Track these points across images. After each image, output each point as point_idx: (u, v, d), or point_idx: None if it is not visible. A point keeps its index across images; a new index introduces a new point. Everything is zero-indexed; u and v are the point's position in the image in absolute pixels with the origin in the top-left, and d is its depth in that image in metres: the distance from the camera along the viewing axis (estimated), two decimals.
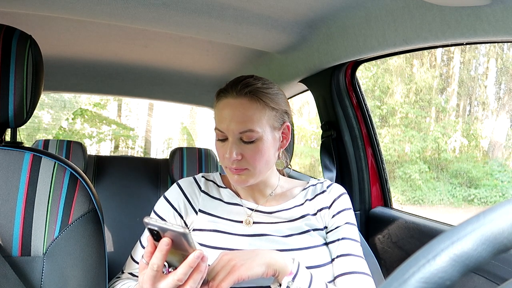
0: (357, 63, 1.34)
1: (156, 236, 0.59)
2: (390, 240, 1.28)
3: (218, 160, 1.85)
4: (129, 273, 0.83)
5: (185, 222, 0.85)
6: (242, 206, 0.86)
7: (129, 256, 0.85)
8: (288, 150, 0.95)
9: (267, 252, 0.71)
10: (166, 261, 0.61)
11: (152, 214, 0.86)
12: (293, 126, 1.00)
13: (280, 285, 0.70)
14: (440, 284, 0.26)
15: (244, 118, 0.77)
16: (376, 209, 1.40)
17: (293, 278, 0.68)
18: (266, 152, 0.80)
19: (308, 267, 0.74)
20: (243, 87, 0.78)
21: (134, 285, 0.75)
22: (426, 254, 0.28)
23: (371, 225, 1.39)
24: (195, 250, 0.59)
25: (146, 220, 0.58)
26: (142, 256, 0.62)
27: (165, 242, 0.58)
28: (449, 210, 4.72)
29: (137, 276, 0.83)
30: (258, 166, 0.79)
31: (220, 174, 0.94)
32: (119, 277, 0.83)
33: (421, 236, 1.15)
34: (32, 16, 1.19)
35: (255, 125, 0.77)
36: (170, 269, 0.62)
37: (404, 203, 4.98)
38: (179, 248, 0.59)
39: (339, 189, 0.89)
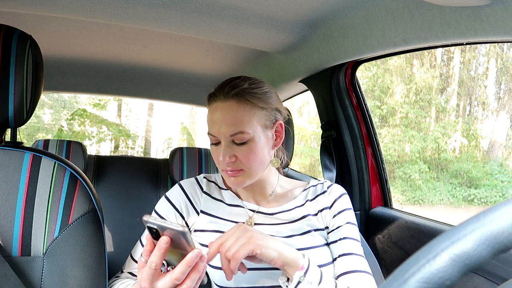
0: (357, 63, 1.34)
1: (155, 234, 0.59)
2: (390, 240, 1.28)
3: (214, 161, 1.85)
4: (128, 273, 0.83)
5: (186, 223, 0.85)
6: (243, 207, 0.86)
7: (129, 256, 0.85)
8: (288, 150, 0.96)
9: (281, 242, 0.71)
10: (165, 260, 0.61)
11: (153, 213, 0.86)
12: (293, 126, 1.00)
13: (288, 279, 0.70)
14: (440, 284, 0.26)
15: (234, 120, 0.77)
16: (376, 209, 1.40)
17: (305, 273, 0.68)
18: (260, 152, 0.80)
19: None
20: (230, 90, 0.78)
21: (133, 284, 0.75)
22: (426, 254, 0.28)
23: (371, 225, 1.39)
24: (193, 249, 0.59)
25: (145, 218, 0.58)
26: (141, 255, 0.62)
27: (163, 240, 0.58)
28: (449, 210, 4.72)
29: (137, 276, 0.83)
30: (252, 166, 0.79)
31: (221, 175, 0.95)
32: (118, 276, 0.83)
33: (421, 236, 1.15)
34: (32, 16, 1.19)
35: (245, 127, 0.77)
36: (168, 268, 0.62)
37: (404, 203, 4.98)
38: (178, 247, 0.59)
39: (339, 189, 0.90)
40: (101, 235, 0.78)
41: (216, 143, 0.81)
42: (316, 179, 0.95)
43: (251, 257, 0.69)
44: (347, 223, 0.84)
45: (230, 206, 0.87)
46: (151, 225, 0.58)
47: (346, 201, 0.88)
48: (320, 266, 0.78)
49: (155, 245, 0.59)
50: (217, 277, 0.78)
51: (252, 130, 0.78)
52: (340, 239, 0.82)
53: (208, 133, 0.81)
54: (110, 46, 1.53)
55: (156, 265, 0.58)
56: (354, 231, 0.84)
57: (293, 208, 0.86)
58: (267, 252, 0.67)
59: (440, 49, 5.08)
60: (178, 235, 0.57)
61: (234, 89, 0.78)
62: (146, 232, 0.78)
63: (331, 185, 0.90)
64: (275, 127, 0.84)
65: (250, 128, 0.78)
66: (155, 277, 0.59)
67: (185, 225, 0.85)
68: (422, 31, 0.85)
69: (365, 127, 1.41)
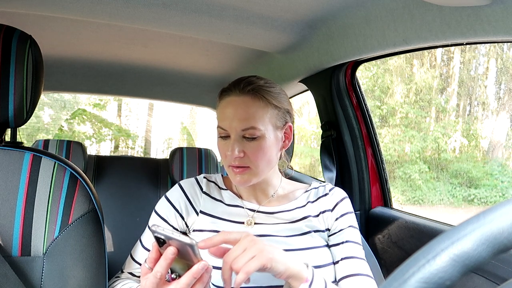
0: (357, 63, 1.34)
1: (162, 243, 0.59)
2: (390, 240, 1.28)
3: (218, 160, 1.85)
4: (128, 273, 0.83)
5: (186, 223, 0.85)
6: (243, 207, 0.86)
7: (129, 256, 0.85)
8: (288, 151, 0.96)
9: (285, 253, 0.69)
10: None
11: (153, 214, 0.86)
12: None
13: None
14: (440, 284, 0.26)
15: (247, 115, 0.77)
16: (376, 209, 1.40)
17: (309, 286, 0.67)
18: (268, 151, 0.80)
19: None
20: (246, 85, 0.79)
21: (136, 286, 0.75)
22: (426, 254, 0.28)
23: (371, 225, 1.39)
24: (200, 260, 0.59)
25: (153, 228, 0.58)
26: (145, 261, 0.62)
27: (171, 251, 0.57)
28: (449, 210, 4.72)
29: (137, 276, 0.83)
30: (260, 164, 0.79)
31: (222, 175, 0.95)
32: (118, 277, 0.83)
33: (421, 236, 1.15)
34: (32, 16, 1.19)
35: (258, 123, 0.77)
36: (172, 275, 0.62)
37: (404, 203, 4.98)
38: (184, 257, 0.59)
39: (341, 193, 0.90)
40: (101, 235, 0.78)
41: (225, 136, 0.81)
42: (317, 179, 0.95)
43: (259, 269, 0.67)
44: (349, 226, 0.85)
45: (230, 206, 0.87)
46: (159, 235, 0.58)
47: (348, 205, 0.88)
48: (318, 267, 0.78)
49: (160, 253, 0.59)
50: (214, 276, 0.77)
51: (264, 127, 0.78)
52: (342, 243, 0.82)
53: (218, 127, 0.81)
54: (110, 46, 1.53)
55: (161, 275, 0.58)
56: (356, 235, 0.85)
57: (294, 209, 0.86)
58: (277, 266, 0.64)
59: (440, 49, 5.08)
60: (185, 246, 0.57)
61: (250, 85, 0.79)
62: (146, 232, 0.78)
63: (333, 188, 0.91)
64: (285, 129, 0.84)
65: (262, 125, 0.78)
66: (159, 286, 0.59)
67: (191, 237, 0.84)
68: (422, 31, 0.85)
69: (365, 127, 1.40)
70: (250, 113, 0.77)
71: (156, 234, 0.58)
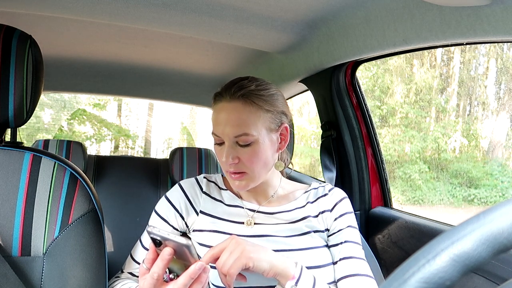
0: (357, 63, 1.34)
1: (158, 244, 0.59)
2: (390, 240, 1.28)
3: (218, 161, 1.85)
4: (128, 273, 0.83)
5: (186, 223, 0.85)
6: (243, 207, 0.86)
7: (129, 256, 0.85)
8: (288, 150, 0.96)
9: (272, 252, 0.71)
10: (167, 267, 0.61)
11: (153, 214, 0.86)
12: (293, 127, 1.00)
13: None
14: (440, 284, 0.26)
15: (239, 121, 0.76)
16: (376, 209, 1.40)
17: (296, 283, 0.68)
18: (263, 155, 0.79)
19: (308, 268, 0.74)
20: (237, 90, 0.78)
21: (135, 286, 0.75)
22: (426, 254, 0.28)
23: (371, 225, 1.39)
24: (197, 261, 0.59)
25: (149, 229, 0.58)
26: (143, 261, 0.62)
27: (167, 252, 0.58)
28: (449, 210, 4.72)
29: (137, 276, 0.83)
30: (255, 169, 0.79)
31: (222, 175, 0.95)
32: (118, 277, 0.83)
33: (421, 236, 1.15)
34: (32, 16, 1.19)
35: (250, 129, 0.77)
36: (171, 275, 0.62)
37: (404, 203, 4.98)
38: (181, 258, 0.59)
39: (340, 193, 0.90)
40: (101, 235, 0.78)
41: (220, 143, 0.81)
42: (317, 179, 0.95)
43: (244, 269, 0.69)
44: (348, 226, 0.84)
45: (230, 206, 0.87)
46: (155, 237, 0.58)
47: (347, 205, 0.88)
48: (319, 266, 0.78)
49: (157, 254, 0.59)
50: (212, 276, 0.78)
51: (257, 132, 0.77)
52: (341, 243, 0.82)
53: (212, 133, 0.81)
54: (110, 46, 1.53)
55: (158, 275, 0.59)
56: (355, 235, 0.84)
57: (294, 209, 0.86)
58: (260, 264, 0.68)
59: (440, 49, 5.08)
60: (182, 247, 0.57)
61: (240, 90, 0.78)
62: (148, 236, 0.78)
63: (332, 188, 0.91)
64: (280, 130, 0.83)
65: (254, 130, 0.77)
66: (156, 286, 0.60)
67: (188, 238, 0.84)
68: (422, 31, 0.85)
69: (365, 127, 1.40)
70: (242, 119, 0.77)
71: (152, 235, 0.58)
